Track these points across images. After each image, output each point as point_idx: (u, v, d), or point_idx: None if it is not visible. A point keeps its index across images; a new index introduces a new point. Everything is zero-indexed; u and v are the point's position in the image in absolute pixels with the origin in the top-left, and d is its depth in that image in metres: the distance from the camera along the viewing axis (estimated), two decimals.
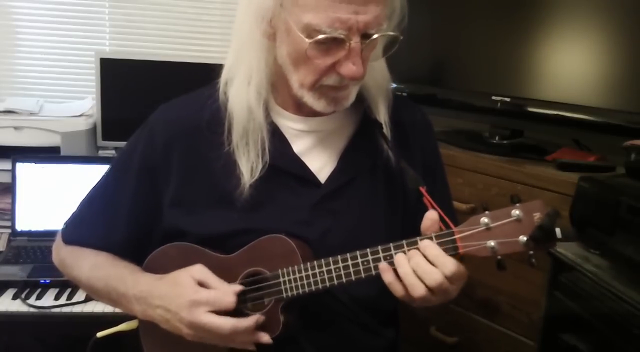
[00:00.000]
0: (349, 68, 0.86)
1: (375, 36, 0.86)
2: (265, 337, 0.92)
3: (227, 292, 0.91)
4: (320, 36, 0.84)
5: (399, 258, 0.84)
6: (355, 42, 0.85)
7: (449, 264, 0.81)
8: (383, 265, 0.85)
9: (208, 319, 0.90)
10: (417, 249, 0.84)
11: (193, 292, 0.91)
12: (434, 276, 0.81)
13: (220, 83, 0.98)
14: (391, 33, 0.90)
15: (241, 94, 0.95)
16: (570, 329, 0.98)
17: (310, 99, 0.92)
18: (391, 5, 0.91)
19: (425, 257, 0.83)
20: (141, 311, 0.97)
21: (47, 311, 1.51)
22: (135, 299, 0.97)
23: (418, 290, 0.82)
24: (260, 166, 0.95)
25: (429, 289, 0.82)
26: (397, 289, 0.84)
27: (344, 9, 0.82)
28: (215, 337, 0.92)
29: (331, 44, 0.85)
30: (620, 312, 0.86)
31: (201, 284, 0.93)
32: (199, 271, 0.94)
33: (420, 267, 0.82)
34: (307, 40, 0.84)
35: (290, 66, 0.91)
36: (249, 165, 0.94)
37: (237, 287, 0.93)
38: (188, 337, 0.93)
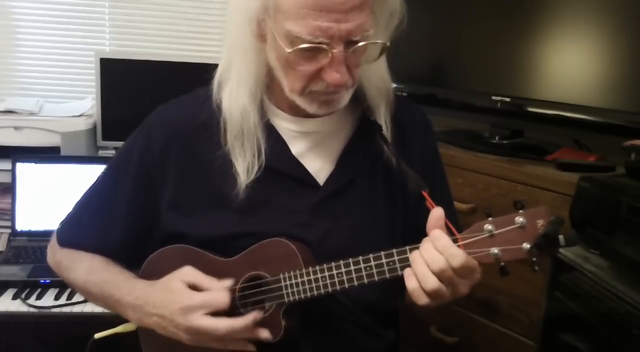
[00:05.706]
0: (333, 76, 0.85)
1: (360, 44, 0.84)
2: (265, 334, 0.92)
3: (219, 292, 0.91)
4: (302, 45, 0.82)
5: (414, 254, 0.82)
6: (338, 50, 0.83)
7: (458, 256, 0.78)
8: (407, 271, 0.82)
9: (204, 322, 0.90)
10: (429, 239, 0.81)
11: (186, 298, 0.91)
12: (439, 263, 0.78)
13: (214, 85, 0.97)
14: (378, 41, 0.88)
15: (234, 95, 0.94)
16: (570, 329, 0.98)
17: (302, 103, 0.91)
18: (382, 9, 0.89)
19: (434, 246, 0.80)
20: (137, 318, 0.98)
21: (47, 311, 1.51)
22: (130, 307, 0.97)
23: (429, 281, 0.79)
24: (256, 167, 0.94)
25: (435, 275, 0.79)
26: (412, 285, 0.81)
27: (324, 17, 0.80)
28: (213, 340, 0.91)
29: (314, 51, 0.84)
30: (620, 312, 0.86)
31: (193, 286, 0.93)
32: (189, 273, 0.94)
33: (427, 251, 0.80)
34: (287, 49, 0.84)
35: (280, 71, 0.90)
36: (245, 166, 0.94)
37: (227, 283, 0.92)
38: (187, 342, 0.93)
